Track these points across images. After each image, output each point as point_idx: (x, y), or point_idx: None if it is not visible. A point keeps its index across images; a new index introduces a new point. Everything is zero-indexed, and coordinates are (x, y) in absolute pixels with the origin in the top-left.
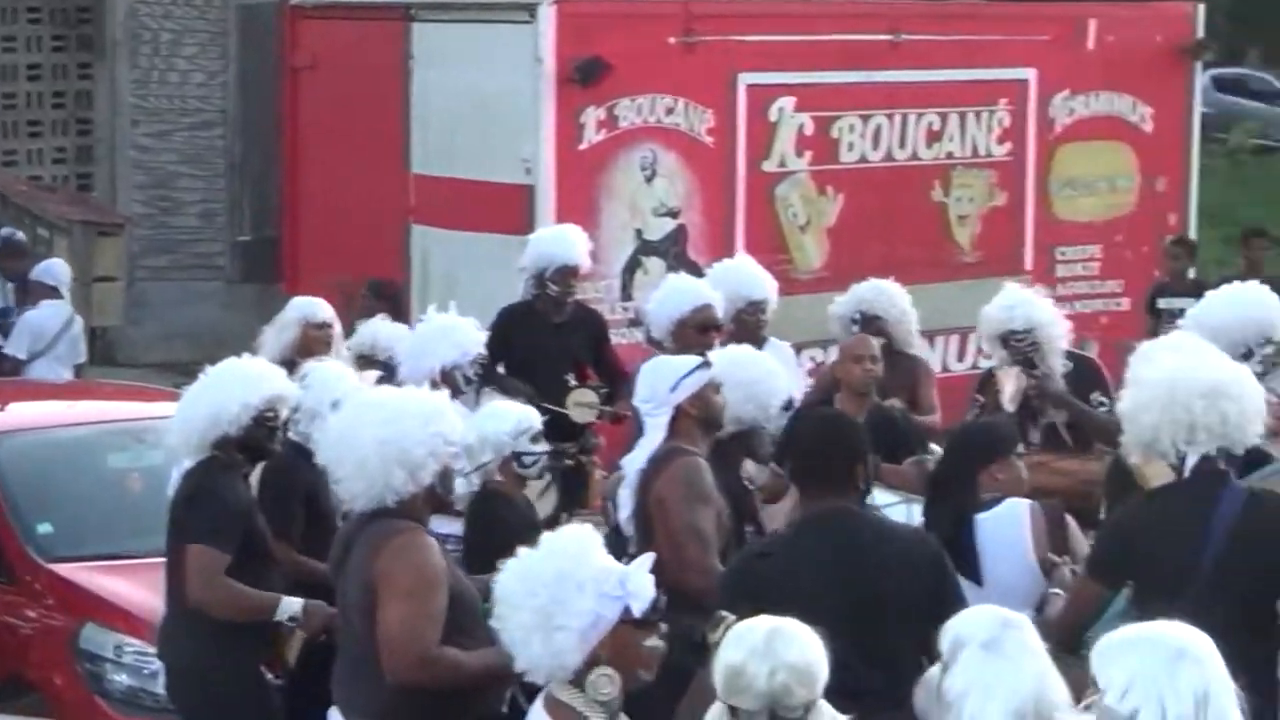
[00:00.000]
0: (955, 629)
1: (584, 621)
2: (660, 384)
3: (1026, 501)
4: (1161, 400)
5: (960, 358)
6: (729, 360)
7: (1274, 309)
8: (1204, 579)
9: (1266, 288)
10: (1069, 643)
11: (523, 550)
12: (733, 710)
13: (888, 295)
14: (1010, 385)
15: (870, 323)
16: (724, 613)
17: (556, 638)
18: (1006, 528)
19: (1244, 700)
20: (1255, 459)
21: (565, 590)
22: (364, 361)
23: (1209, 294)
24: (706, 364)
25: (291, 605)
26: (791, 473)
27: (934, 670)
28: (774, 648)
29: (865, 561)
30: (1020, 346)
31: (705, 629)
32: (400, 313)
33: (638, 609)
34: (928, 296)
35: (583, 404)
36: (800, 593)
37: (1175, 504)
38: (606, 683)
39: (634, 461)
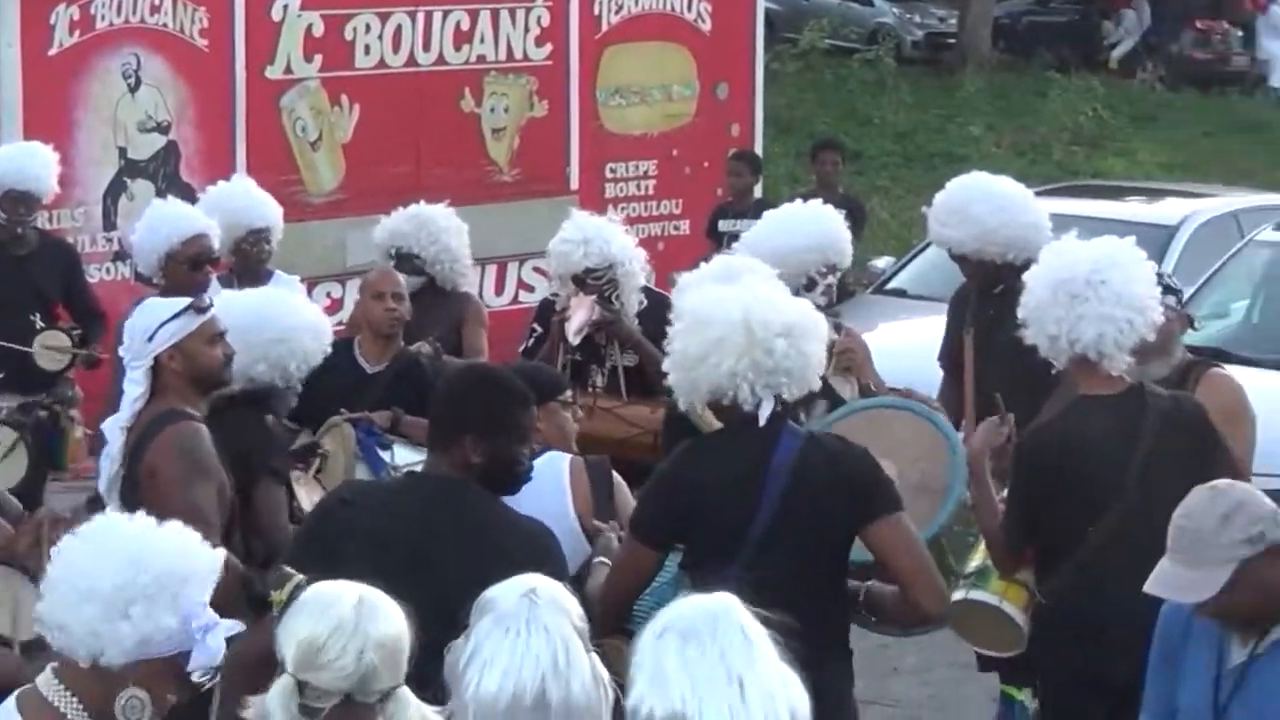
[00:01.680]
0: (482, 600)
1: (154, 632)
2: (138, 331)
3: (568, 455)
4: (739, 343)
5: (499, 291)
6: (234, 305)
7: (838, 232)
8: (760, 534)
9: (830, 208)
10: (613, 618)
11: (149, 520)
12: (301, 686)
13: (427, 230)
14: (579, 315)
15: (406, 261)
16: (289, 569)
17: (120, 626)
18: (541, 484)
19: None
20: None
21: (165, 590)
22: None
23: (767, 215)
24: (197, 308)
25: None
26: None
27: (458, 643)
28: (363, 622)
29: (438, 540)
30: (597, 284)
31: (268, 584)
32: None
33: (195, 665)
34: (464, 220)
35: (51, 348)
36: (376, 551)
37: (727, 454)
38: (138, 706)
39: (115, 422)
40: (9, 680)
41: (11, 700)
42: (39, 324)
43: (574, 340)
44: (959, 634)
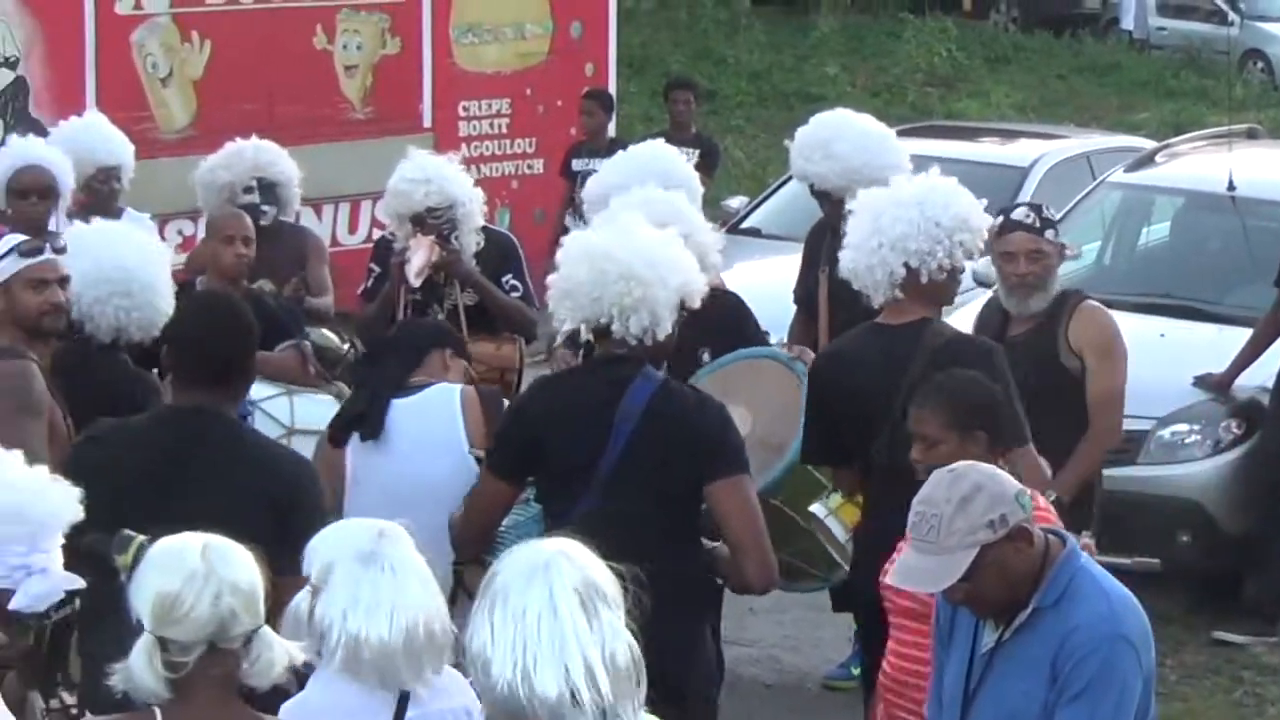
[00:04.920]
0: (322, 548)
1: None
2: None
3: (459, 385)
4: (600, 276)
5: (353, 230)
6: (77, 242)
7: (676, 172)
8: (607, 474)
9: (671, 147)
10: (471, 545)
11: None
12: (162, 643)
13: (285, 160)
14: (420, 256)
15: (269, 191)
16: (129, 532)
17: None
18: (433, 411)
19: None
20: None
21: None
22: None
23: (616, 156)
24: (24, 249)
25: None
26: (166, 358)
27: (300, 598)
28: (215, 569)
29: (187, 474)
30: (436, 224)
31: (111, 548)
32: None
33: (15, 606)
34: (314, 159)
35: None
36: (131, 487)
37: (580, 391)
38: None
39: None
40: None
41: None
42: None
43: (415, 281)
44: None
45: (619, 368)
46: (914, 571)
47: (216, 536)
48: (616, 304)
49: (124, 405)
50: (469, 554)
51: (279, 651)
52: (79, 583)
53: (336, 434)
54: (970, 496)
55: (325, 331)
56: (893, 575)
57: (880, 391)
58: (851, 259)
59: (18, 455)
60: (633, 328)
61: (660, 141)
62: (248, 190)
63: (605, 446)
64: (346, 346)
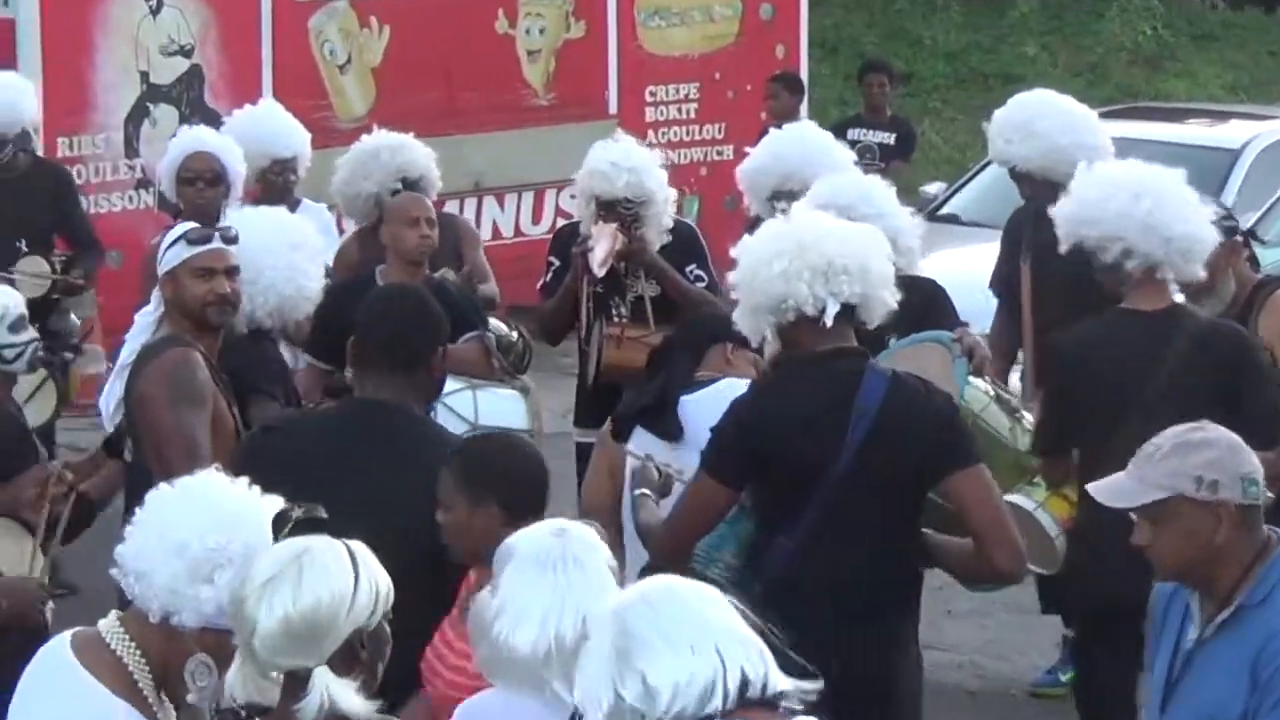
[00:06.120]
0: (506, 547)
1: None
2: (160, 253)
3: (748, 379)
4: (790, 248)
5: (536, 219)
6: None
7: (801, 156)
8: (838, 477)
9: (811, 131)
10: (679, 556)
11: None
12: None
13: (423, 155)
14: (604, 245)
15: (413, 189)
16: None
17: (203, 589)
18: (724, 407)
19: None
20: None
21: (250, 561)
22: None
23: (768, 139)
24: (191, 237)
25: None
26: (351, 350)
27: (482, 599)
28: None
29: (368, 470)
30: (625, 215)
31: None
32: None
33: None
34: (495, 147)
35: (31, 274)
36: (308, 479)
37: (810, 388)
38: (206, 673)
39: (125, 354)
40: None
41: (66, 638)
42: (23, 248)
43: (599, 271)
44: None
45: (848, 361)
46: (1108, 486)
47: (324, 544)
48: (838, 293)
49: (245, 379)
50: (668, 564)
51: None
52: None
53: (620, 427)
54: (1194, 446)
55: (494, 321)
56: (1093, 485)
57: (1134, 378)
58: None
59: (218, 475)
60: (862, 315)
61: (809, 123)
62: (395, 194)
63: (839, 449)
64: (515, 336)
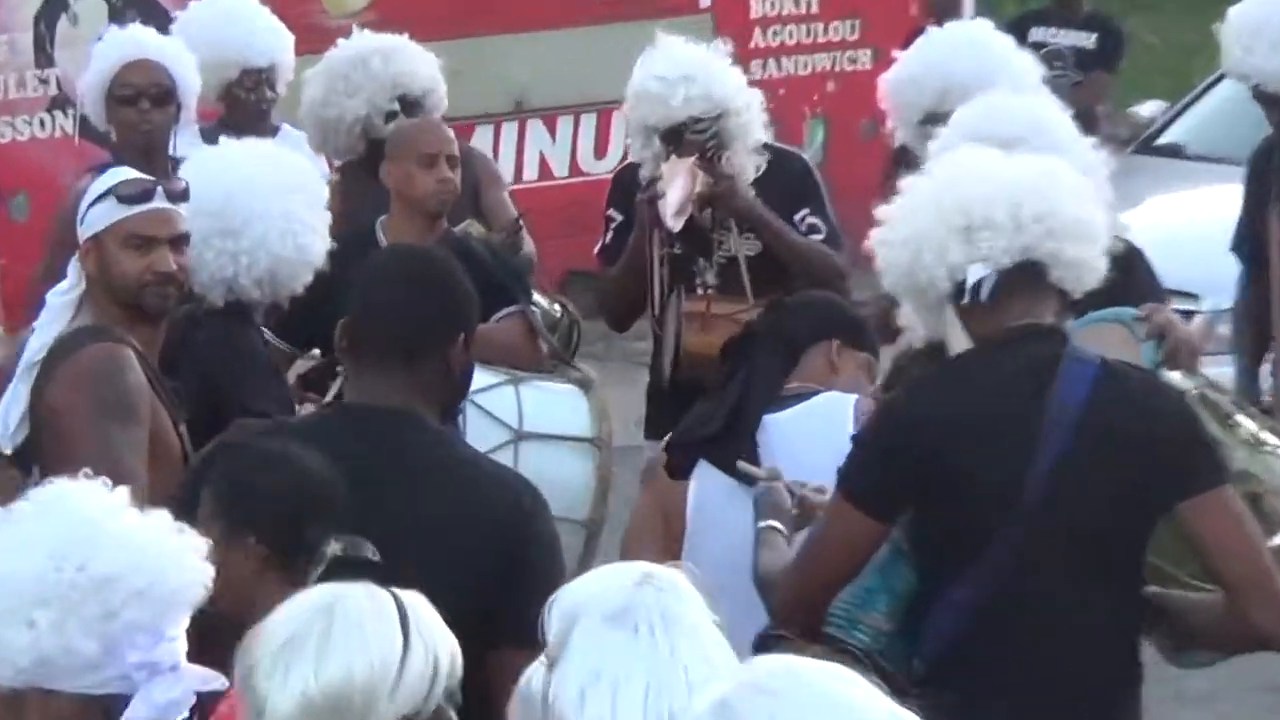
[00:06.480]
0: (564, 602)
1: (60, 654)
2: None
3: (853, 396)
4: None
5: (600, 153)
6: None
7: (976, 65)
8: (1033, 502)
9: (984, 25)
10: (816, 611)
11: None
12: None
13: (427, 65)
14: (678, 188)
15: (410, 111)
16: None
17: (16, 633)
18: (819, 433)
19: None
20: None
21: (96, 601)
22: None
23: (920, 41)
24: (121, 193)
25: None
26: (341, 337)
27: (531, 673)
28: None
29: (365, 505)
30: (697, 140)
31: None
32: None
33: (139, 716)
34: (542, 52)
35: None
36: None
37: (986, 384)
38: None
39: (32, 348)
40: None
41: None
42: None
43: (674, 225)
44: None
45: (1037, 343)
46: None
47: (360, 593)
48: (988, 256)
49: (225, 391)
50: (809, 622)
51: None
52: (220, 682)
53: (678, 462)
54: None
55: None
56: None
57: None
58: None
59: (125, 495)
60: (1054, 277)
61: (979, 20)
62: (390, 117)
63: (1030, 464)
64: (559, 311)
